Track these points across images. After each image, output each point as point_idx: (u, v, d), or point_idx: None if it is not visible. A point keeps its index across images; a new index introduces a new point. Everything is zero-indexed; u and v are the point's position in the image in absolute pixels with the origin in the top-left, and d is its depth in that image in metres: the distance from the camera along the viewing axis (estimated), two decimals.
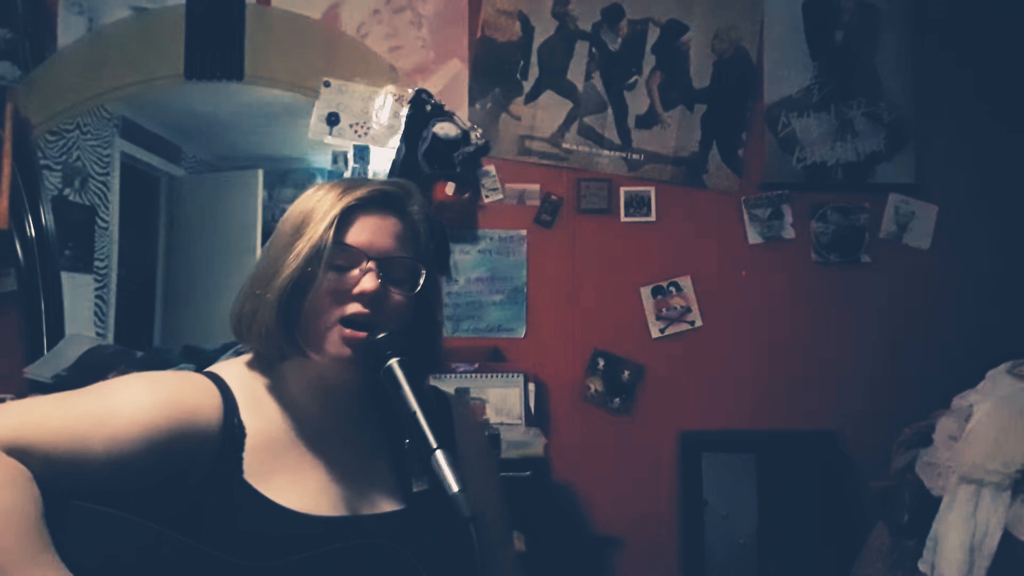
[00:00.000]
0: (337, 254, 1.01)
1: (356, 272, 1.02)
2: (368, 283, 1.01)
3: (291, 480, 1.01)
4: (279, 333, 1.01)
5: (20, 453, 0.86)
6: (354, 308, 1.01)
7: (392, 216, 1.06)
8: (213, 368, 1.08)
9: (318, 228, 1.01)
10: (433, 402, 1.14)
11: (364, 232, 1.03)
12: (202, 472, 0.96)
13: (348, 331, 1.00)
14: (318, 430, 1.06)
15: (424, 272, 1.06)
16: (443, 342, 1.18)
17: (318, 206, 1.03)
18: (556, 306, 2.54)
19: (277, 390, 1.06)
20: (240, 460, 0.99)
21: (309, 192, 1.07)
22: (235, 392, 1.03)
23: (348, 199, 1.03)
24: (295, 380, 1.06)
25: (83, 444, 0.89)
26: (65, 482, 0.88)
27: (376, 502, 1.05)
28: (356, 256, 1.02)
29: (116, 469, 0.90)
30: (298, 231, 1.02)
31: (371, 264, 1.02)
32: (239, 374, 1.06)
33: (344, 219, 1.02)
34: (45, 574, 0.81)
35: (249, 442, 1.00)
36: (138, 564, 0.89)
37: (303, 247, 1.00)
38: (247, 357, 1.10)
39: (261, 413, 1.04)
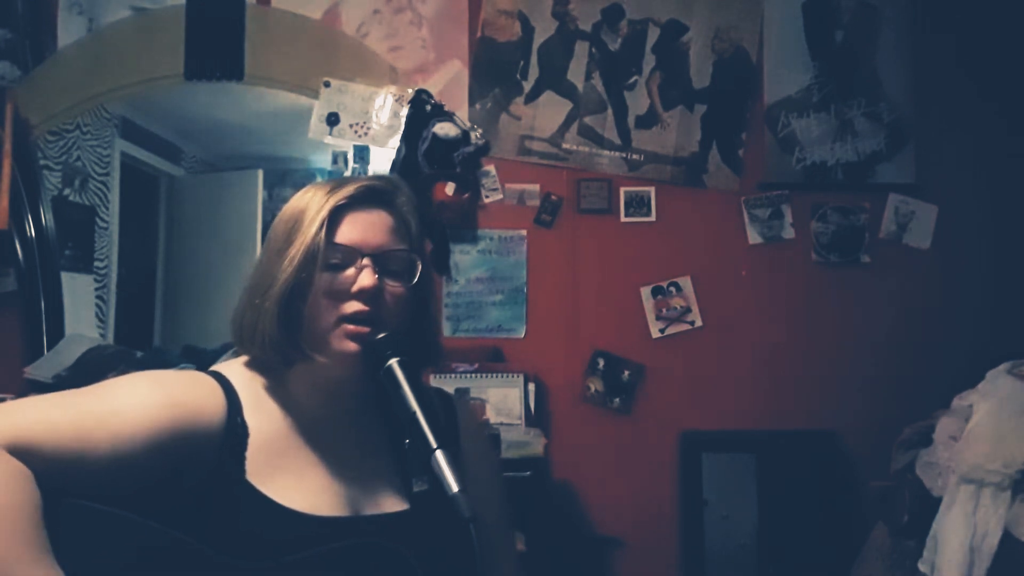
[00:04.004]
0: (331, 254, 1.01)
1: (352, 270, 1.02)
2: (366, 279, 1.01)
3: (293, 480, 1.01)
4: (282, 340, 1.01)
5: (23, 452, 0.85)
6: (354, 307, 1.00)
7: (381, 210, 1.06)
8: (217, 367, 1.08)
9: (309, 231, 1.01)
10: (437, 403, 1.13)
11: (355, 229, 1.03)
12: (204, 471, 0.96)
13: (351, 327, 1.00)
14: (321, 430, 1.06)
15: (420, 263, 1.06)
16: (440, 335, 1.17)
17: (307, 209, 1.03)
18: (556, 306, 2.54)
19: (280, 390, 1.06)
20: (243, 460, 0.99)
21: (297, 195, 1.07)
22: (239, 392, 1.03)
23: (335, 199, 1.03)
24: (298, 380, 1.06)
25: (86, 443, 0.89)
26: (68, 480, 0.88)
27: (379, 502, 1.05)
28: (350, 254, 1.02)
29: (119, 468, 0.90)
30: (289, 236, 1.02)
31: (366, 260, 1.02)
32: (242, 373, 1.06)
33: (334, 219, 1.02)
34: None
35: (252, 442, 1.00)
36: (139, 563, 0.89)
37: (296, 252, 1.00)
38: (248, 357, 1.10)
39: (264, 413, 1.04)
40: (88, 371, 2.26)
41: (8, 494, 0.82)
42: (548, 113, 2.57)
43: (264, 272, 1.03)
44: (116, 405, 0.94)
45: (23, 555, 0.81)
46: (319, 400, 1.06)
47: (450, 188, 2.47)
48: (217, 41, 2.50)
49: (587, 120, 2.57)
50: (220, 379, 1.03)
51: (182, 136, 2.73)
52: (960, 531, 1.74)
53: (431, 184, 2.46)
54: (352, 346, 1.00)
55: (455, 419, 1.15)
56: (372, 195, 1.06)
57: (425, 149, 2.45)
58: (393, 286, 1.03)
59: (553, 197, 2.55)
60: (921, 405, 2.09)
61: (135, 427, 0.92)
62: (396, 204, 1.08)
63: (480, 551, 0.87)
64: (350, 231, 1.03)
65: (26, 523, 0.82)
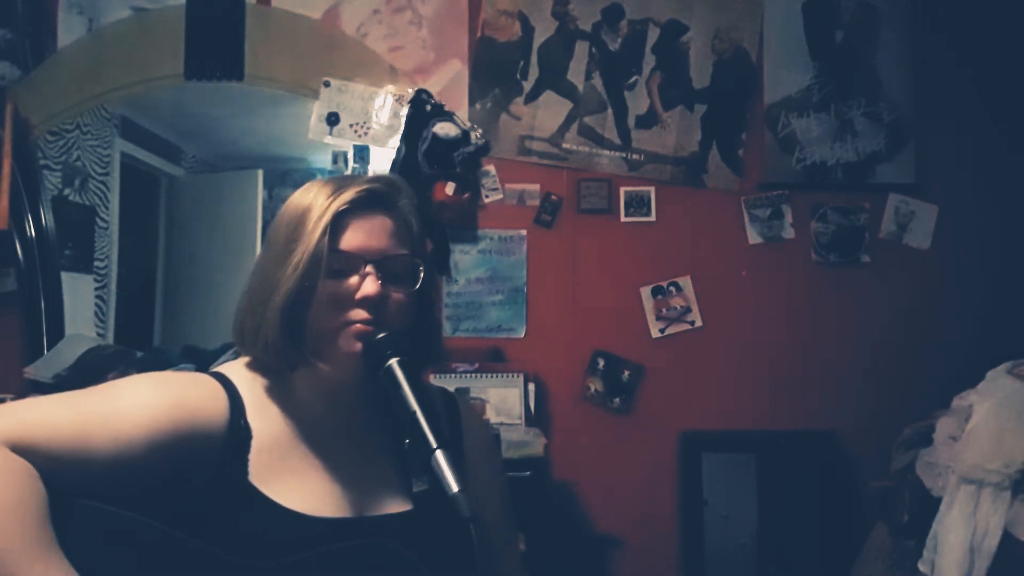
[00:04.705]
0: (334, 261, 1.00)
1: (355, 278, 1.01)
2: (370, 287, 1.00)
3: (296, 482, 1.00)
4: (285, 347, 1.00)
5: (25, 451, 0.86)
6: (358, 315, 1.00)
7: (383, 214, 1.05)
8: (220, 368, 1.08)
9: (312, 237, 0.99)
10: (440, 403, 1.13)
11: (358, 235, 1.02)
12: (207, 473, 0.96)
13: (357, 327, 1.00)
14: (324, 432, 1.05)
15: (422, 268, 1.06)
16: (441, 334, 1.17)
17: (309, 213, 1.02)
18: (556, 306, 2.54)
19: (283, 391, 1.06)
20: (246, 461, 0.99)
21: (297, 195, 1.06)
22: (242, 393, 1.03)
23: (338, 204, 1.01)
24: (301, 383, 1.06)
25: (88, 443, 0.89)
26: (70, 481, 0.88)
27: (382, 504, 1.05)
28: (353, 261, 1.01)
29: (121, 469, 0.91)
30: (291, 241, 1.01)
31: (369, 268, 1.01)
32: (244, 375, 1.06)
33: (336, 224, 1.01)
34: (50, 572, 0.82)
35: (255, 443, 1.00)
36: (142, 563, 0.89)
37: (298, 259, 0.99)
38: (250, 358, 1.10)
39: (267, 415, 1.03)
40: (88, 371, 2.26)
41: (15, 490, 0.83)
42: (548, 113, 2.56)
43: (266, 277, 1.02)
44: (118, 406, 0.94)
45: (31, 549, 0.81)
46: (321, 402, 1.06)
47: (450, 188, 2.47)
48: (217, 41, 2.50)
49: (587, 120, 2.57)
50: (223, 380, 1.03)
51: (182, 136, 2.73)
52: (960, 531, 1.74)
53: (431, 184, 2.46)
54: (357, 346, 1.00)
55: (458, 418, 1.15)
56: (374, 199, 1.04)
57: (425, 149, 2.45)
58: (396, 291, 1.03)
59: (553, 197, 2.55)
60: (921, 405, 2.09)
61: (137, 428, 0.92)
62: (398, 207, 1.07)
63: (480, 551, 0.87)
64: (353, 237, 1.02)
65: (33, 519, 0.83)
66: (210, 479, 0.96)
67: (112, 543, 0.88)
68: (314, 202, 1.02)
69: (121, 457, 0.90)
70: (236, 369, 1.07)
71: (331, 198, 1.02)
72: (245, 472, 0.98)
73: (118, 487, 0.91)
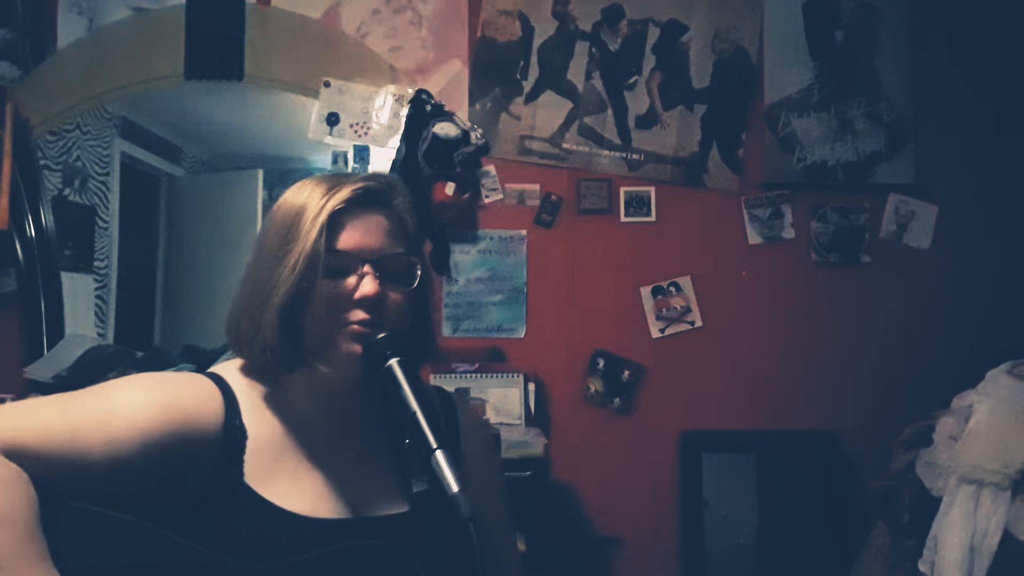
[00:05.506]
0: (331, 261, 0.99)
1: (353, 278, 1.00)
2: (368, 287, 0.99)
3: (292, 483, 1.00)
4: (284, 350, 1.00)
5: (18, 455, 0.85)
6: (357, 315, 0.99)
7: (379, 213, 1.04)
8: (216, 369, 1.07)
9: (308, 237, 0.98)
10: (437, 402, 1.13)
11: (355, 234, 1.01)
12: (203, 474, 0.96)
13: (355, 327, 0.99)
14: (320, 432, 1.05)
15: (420, 266, 1.05)
16: (438, 333, 1.17)
17: (304, 211, 1.00)
18: (556, 306, 2.54)
19: (279, 392, 1.05)
20: (241, 462, 0.98)
21: (292, 193, 1.04)
22: (237, 394, 1.02)
23: (333, 203, 1.00)
24: (297, 383, 1.05)
25: (82, 446, 0.89)
26: (64, 483, 0.87)
27: (379, 504, 1.04)
28: (350, 260, 1.00)
29: (115, 471, 0.90)
30: (286, 241, 1.00)
31: (367, 267, 1.00)
32: (240, 375, 1.06)
33: (332, 224, 1.00)
34: None
35: (250, 444, 1.00)
36: (137, 566, 0.89)
37: (295, 259, 0.98)
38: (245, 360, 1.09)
39: (263, 415, 1.03)
40: (88, 371, 2.26)
41: (4, 499, 0.82)
42: (548, 113, 2.56)
43: (261, 278, 1.01)
44: (112, 407, 0.93)
45: (19, 561, 0.80)
46: (318, 403, 1.05)
47: (450, 188, 2.47)
48: (217, 41, 2.50)
49: (587, 120, 2.57)
50: (218, 381, 1.03)
51: (182, 136, 2.73)
52: (960, 531, 1.74)
53: (431, 184, 2.46)
54: (356, 348, 0.99)
55: (455, 418, 1.15)
56: (369, 197, 1.03)
57: (425, 149, 2.45)
58: (394, 291, 1.02)
59: (553, 197, 2.55)
60: (921, 405, 2.09)
61: (131, 429, 0.92)
62: (394, 205, 1.06)
63: (480, 551, 0.87)
64: (349, 236, 1.01)
65: (22, 528, 0.82)
66: (206, 480, 0.96)
67: (107, 546, 0.88)
68: (308, 201, 1.01)
69: (115, 459, 0.90)
70: (230, 370, 1.06)
71: (326, 197, 1.01)
72: (241, 473, 0.98)
73: (113, 489, 0.90)
